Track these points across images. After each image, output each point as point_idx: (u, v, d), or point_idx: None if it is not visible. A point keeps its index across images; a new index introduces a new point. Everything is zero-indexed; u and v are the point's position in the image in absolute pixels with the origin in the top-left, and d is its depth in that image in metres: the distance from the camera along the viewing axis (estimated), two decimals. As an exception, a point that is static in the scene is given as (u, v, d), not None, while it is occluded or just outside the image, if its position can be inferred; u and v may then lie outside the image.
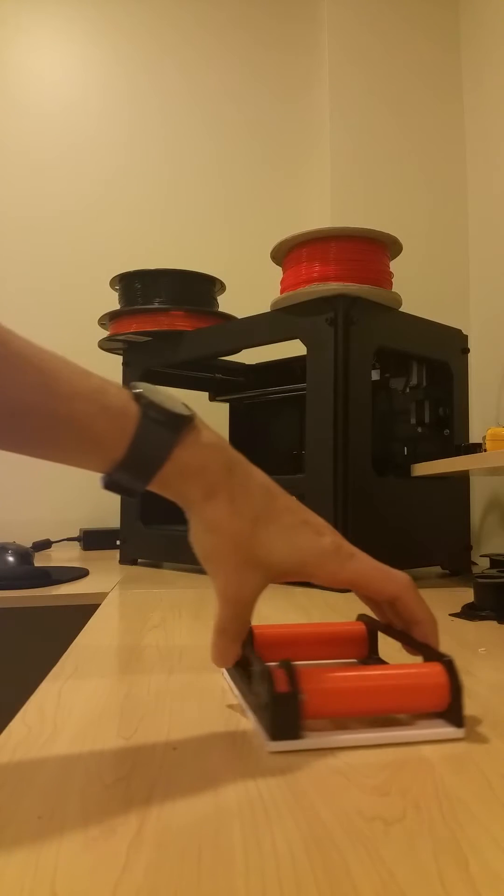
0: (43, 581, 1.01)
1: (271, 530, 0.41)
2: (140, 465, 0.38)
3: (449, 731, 0.38)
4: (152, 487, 0.39)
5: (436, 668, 0.40)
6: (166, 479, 0.39)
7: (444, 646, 0.60)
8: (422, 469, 0.99)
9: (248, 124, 1.69)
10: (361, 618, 0.52)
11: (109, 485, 0.39)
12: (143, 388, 0.40)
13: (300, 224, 1.39)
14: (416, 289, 1.36)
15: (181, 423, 0.39)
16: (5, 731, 0.40)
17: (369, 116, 1.56)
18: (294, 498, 0.43)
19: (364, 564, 0.42)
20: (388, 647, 0.53)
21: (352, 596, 0.84)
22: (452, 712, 0.38)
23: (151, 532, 1.16)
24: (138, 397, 0.39)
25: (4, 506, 1.54)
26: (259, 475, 0.42)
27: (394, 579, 0.43)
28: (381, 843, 0.27)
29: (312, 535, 0.42)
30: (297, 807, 0.30)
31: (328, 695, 0.39)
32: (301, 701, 0.37)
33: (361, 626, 0.51)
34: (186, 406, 0.40)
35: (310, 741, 0.37)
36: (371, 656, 0.50)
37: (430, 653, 0.42)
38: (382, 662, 0.51)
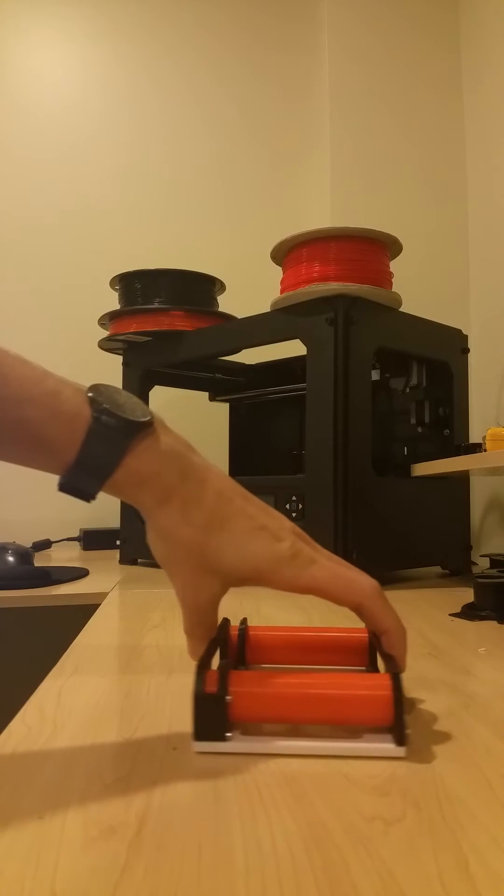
0: (43, 581, 1.01)
1: (224, 537, 0.40)
2: (91, 471, 0.38)
3: (388, 747, 0.36)
4: (106, 492, 0.39)
5: (381, 681, 0.38)
6: (118, 484, 0.39)
7: (445, 645, 0.60)
8: (422, 469, 0.99)
9: (248, 124, 1.69)
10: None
11: (63, 487, 0.39)
12: (101, 390, 0.39)
13: (300, 224, 1.39)
14: (416, 289, 1.36)
15: (134, 429, 0.38)
16: (5, 731, 0.40)
17: (369, 116, 1.56)
18: (257, 501, 0.42)
19: (324, 571, 0.41)
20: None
21: (352, 596, 0.85)
22: (396, 728, 0.36)
23: (151, 532, 1.16)
24: (92, 402, 0.38)
25: (4, 506, 1.54)
26: (216, 481, 0.41)
27: (355, 588, 0.41)
28: (381, 843, 0.27)
29: (268, 540, 0.40)
30: (297, 807, 0.30)
31: (255, 699, 0.38)
32: (226, 703, 0.37)
33: (364, 634, 0.49)
34: (146, 410, 0.40)
35: (234, 744, 0.37)
36: (372, 665, 0.49)
37: (391, 664, 0.40)
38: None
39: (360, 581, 0.41)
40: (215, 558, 0.40)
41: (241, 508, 0.41)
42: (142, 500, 0.40)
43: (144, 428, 0.39)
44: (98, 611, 0.78)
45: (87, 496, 0.39)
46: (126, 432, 0.38)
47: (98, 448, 0.37)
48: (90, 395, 0.38)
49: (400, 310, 1.02)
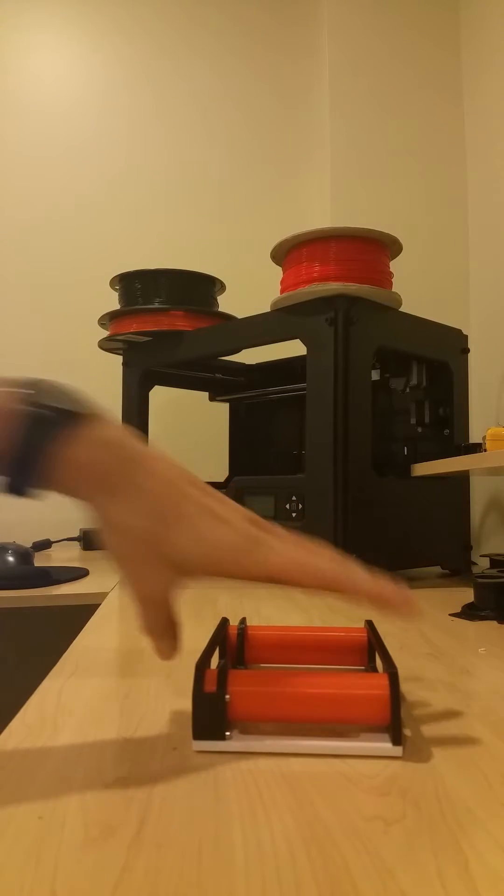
0: (43, 581, 1.01)
1: (179, 527, 0.38)
2: (24, 466, 0.36)
3: (385, 747, 0.36)
4: (48, 488, 0.37)
5: (379, 681, 0.38)
6: (55, 478, 0.37)
7: (444, 645, 0.60)
8: (422, 469, 0.99)
9: (248, 125, 1.69)
10: (368, 624, 0.50)
11: (4, 488, 0.37)
12: (35, 384, 0.37)
13: (300, 224, 1.39)
14: (416, 289, 1.36)
15: (67, 419, 0.37)
16: (5, 731, 0.40)
17: (369, 116, 1.56)
18: (211, 490, 0.40)
19: (282, 559, 0.38)
20: (395, 653, 0.53)
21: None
22: (392, 728, 0.36)
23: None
24: (25, 397, 0.37)
25: (4, 506, 1.54)
26: (166, 470, 0.39)
27: (314, 573, 0.39)
28: (381, 843, 0.27)
29: (225, 529, 0.38)
30: (297, 807, 0.30)
31: (254, 698, 0.38)
32: (225, 702, 0.36)
33: (363, 633, 0.50)
34: (83, 401, 0.38)
35: (233, 743, 0.37)
36: (370, 665, 0.49)
37: (388, 663, 0.39)
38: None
39: (319, 565, 0.39)
40: (170, 549, 0.38)
41: (195, 497, 0.39)
42: (87, 492, 0.38)
43: (78, 418, 0.37)
44: (98, 611, 0.78)
45: (26, 494, 0.37)
46: (59, 422, 0.36)
47: (30, 442, 0.36)
48: (24, 390, 0.37)
49: (400, 310, 1.02)
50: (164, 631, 0.40)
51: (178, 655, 0.41)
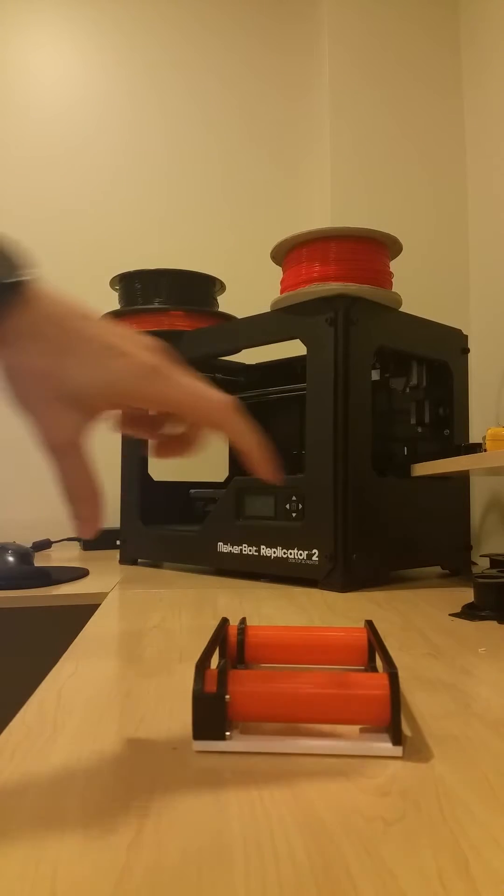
0: (43, 581, 1.01)
1: (74, 360, 0.37)
2: None
3: (385, 747, 0.36)
4: None
5: (379, 681, 0.38)
6: None
7: (444, 645, 0.60)
8: (422, 469, 0.99)
9: (248, 124, 1.69)
10: (368, 624, 0.50)
11: None
12: None
13: (300, 224, 1.39)
14: (416, 289, 1.36)
15: (7, 294, 0.37)
16: (5, 731, 0.40)
17: (369, 116, 1.56)
18: (108, 322, 0.40)
19: (182, 387, 0.39)
20: (395, 653, 0.53)
21: (352, 596, 0.85)
22: (392, 728, 0.36)
23: (151, 532, 1.16)
24: None
25: (4, 506, 1.54)
26: (59, 307, 0.39)
27: (213, 404, 0.39)
28: (381, 843, 0.27)
29: (122, 355, 0.38)
30: (297, 807, 0.30)
31: (254, 698, 0.38)
32: (225, 702, 0.36)
33: (363, 633, 0.50)
34: (15, 263, 0.38)
35: (233, 743, 0.37)
36: (370, 665, 0.49)
37: (388, 663, 0.39)
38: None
39: (215, 396, 0.40)
40: (69, 383, 0.37)
41: (90, 330, 0.38)
42: None
43: (13, 288, 0.37)
44: (98, 611, 0.78)
45: None
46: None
47: None
48: None
49: (400, 310, 1.02)
50: (84, 491, 0.39)
51: (98, 529, 0.40)
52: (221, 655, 0.47)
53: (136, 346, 0.39)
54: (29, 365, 0.37)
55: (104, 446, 1.50)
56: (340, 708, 0.38)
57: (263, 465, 0.40)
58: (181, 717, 0.42)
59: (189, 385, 0.39)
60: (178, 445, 0.44)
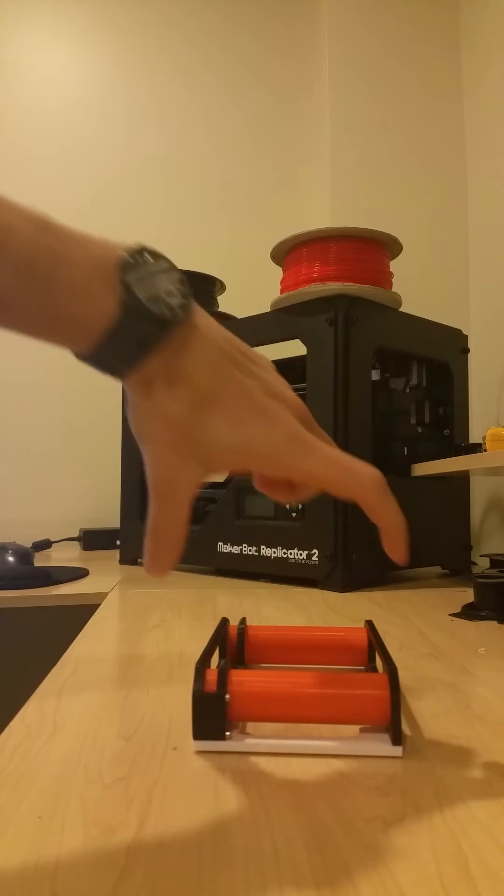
0: (43, 581, 1.01)
1: (215, 415, 0.34)
2: (110, 355, 0.33)
3: (385, 747, 0.36)
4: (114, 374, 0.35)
5: (379, 681, 0.38)
6: (134, 374, 0.34)
7: (444, 645, 0.60)
8: (422, 469, 0.99)
9: (248, 125, 1.69)
10: (368, 624, 0.50)
11: (87, 359, 0.34)
12: (137, 268, 0.33)
13: (300, 224, 1.39)
14: (416, 289, 1.36)
15: (167, 333, 0.33)
16: (5, 731, 0.40)
17: (369, 116, 1.56)
18: (257, 371, 0.36)
19: (323, 460, 0.36)
20: (395, 653, 0.53)
21: (352, 596, 0.85)
22: (392, 728, 0.36)
23: (151, 532, 1.16)
24: (125, 285, 0.32)
25: (4, 506, 1.54)
26: (210, 350, 0.35)
27: (355, 479, 0.37)
28: (381, 843, 0.27)
29: (266, 421, 0.35)
30: (297, 807, 0.30)
31: (254, 698, 0.38)
32: (225, 702, 0.36)
33: (363, 633, 0.49)
34: (182, 302, 0.34)
35: (233, 743, 0.37)
36: (370, 665, 0.49)
37: (388, 663, 0.39)
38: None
39: (361, 471, 0.37)
40: (204, 437, 0.34)
41: (239, 383, 0.35)
42: (137, 383, 0.34)
43: (177, 328, 0.34)
44: (98, 611, 0.78)
45: (108, 371, 0.34)
46: (159, 335, 0.33)
47: (121, 342, 0.33)
48: (122, 275, 0.32)
49: (400, 310, 1.02)
50: (170, 535, 0.36)
51: (168, 572, 0.37)
52: (221, 655, 0.47)
53: (283, 406, 0.36)
54: (164, 409, 0.34)
55: (104, 446, 1.50)
56: (340, 708, 0.38)
57: (400, 546, 0.38)
58: (181, 717, 0.42)
59: (333, 457, 0.37)
60: (290, 492, 0.41)
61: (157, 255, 0.34)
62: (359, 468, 0.37)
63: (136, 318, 0.32)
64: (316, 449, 0.36)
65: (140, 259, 0.33)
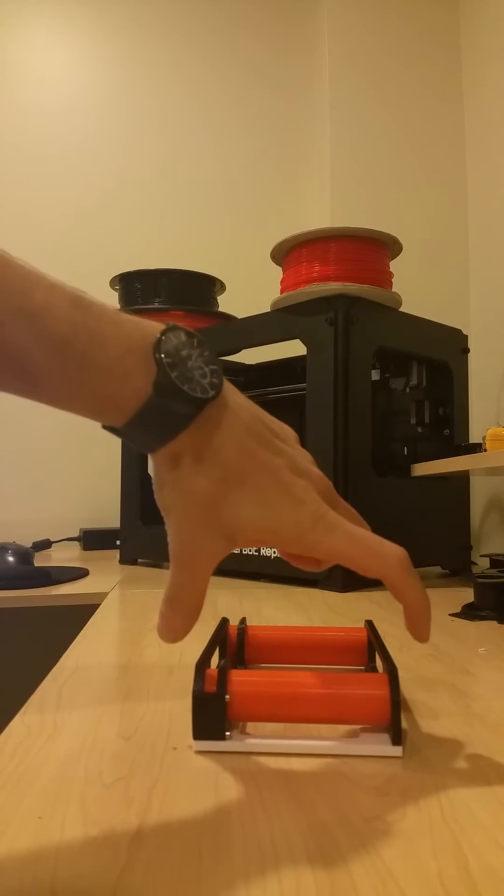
0: (43, 581, 1.01)
1: (242, 493, 0.35)
2: (142, 434, 0.34)
3: (385, 748, 0.36)
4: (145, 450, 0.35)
5: (379, 681, 0.37)
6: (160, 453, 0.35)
7: (444, 645, 0.60)
8: (422, 469, 0.99)
9: (248, 124, 1.69)
10: (368, 624, 0.50)
11: (118, 433, 0.35)
12: (172, 356, 0.33)
13: (300, 224, 1.39)
14: (416, 289, 1.36)
15: (196, 411, 0.34)
16: (5, 731, 0.40)
17: (369, 116, 1.56)
18: (283, 448, 0.37)
19: (347, 539, 0.37)
20: (395, 653, 0.53)
21: (352, 596, 0.85)
22: (392, 728, 0.36)
23: (151, 532, 1.16)
24: (161, 370, 0.33)
25: (4, 506, 1.54)
26: (239, 429, 0.36)
27: (379, 559, 0.37)
28: (381, 843, 0.27)
29: (292, 501, 0.36)
30: (297, 807, 0.30)
31: (254, 698, 0.38)
32: (225, 702, 0.36)
33: (363, 633, 0.49)
34: (213, 382, 0.35)
35: (233, 743, 0.37)
36: (370, 665, 0.49)
37: (388, 663, 0.39)
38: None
39: (385, 552, 0.37)
40: (229, 514, 0.35)
41: (266, 462, 0.36)
42: (166, 457, 0.35)
43: (207, 406, 0.34)
44: (98, 611, 0.78)
45: (137, 447, 0.35)
46: (189, 415, 0.34)
47: (153, 422, 0.33)
48: (159, 356, 0.33)
49: (400, 310, 1.02)
50: (188, 603, 0.37)
51: (181, 639, 0.37)
52: (221, 655, 0.47)
53: (308, 485, 0.37)
54: (192, 484, 0.34)
55: (104, 446, 1.50)
56: (340, 708, 0.38)
57: (423, 626, 0.38)
58: (181, 717, 0.42)
59: (357, 537, 0.37)
60: (315, 564, 0.41)
61: (189, 334, 0.35)
62: (384, 549, 0.37)
63: (168, 398, 0.33)
64: (340, 528, 0.37)
65: (173, 338, 0.34)
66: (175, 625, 0.36)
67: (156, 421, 0.33)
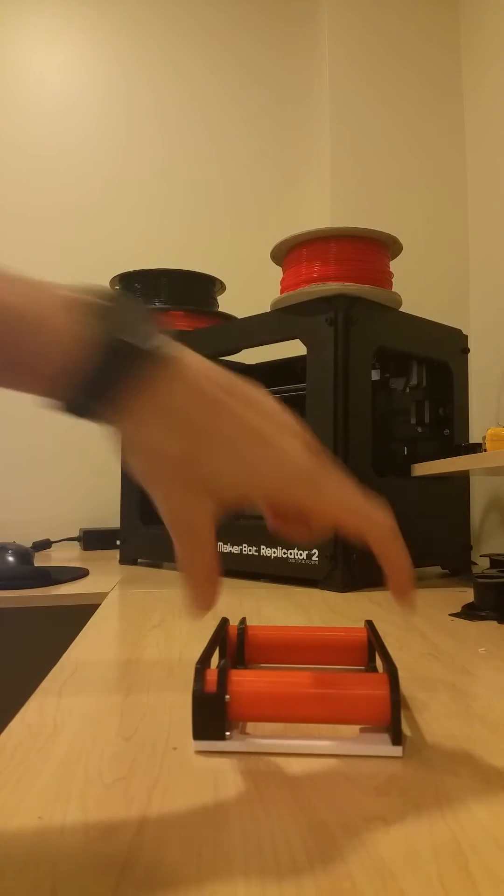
0: (43, 581, 1.01)
1: (220, 449, 0.33)
2: (89, 395, 0.31)
3: (385, 748, 0.36)
4: (91, 416, 0.32)
5: (379, 681, 0.37)
6: (108, 412, 0.32)
7: (444, 645, 0.60)
8: (422, 469, 0.99)
9: (248, 124, 1.69)
10: (368, 624, 0.50)
11: (61, 406, 0.32)
12: (111, 303, 0.31)
13: (300, 224, 1.39)
14: (416, 289, 1.36)
15: (146, 362, 0.31)
16: (5, 731, 0.40)
17: (369, 116, 1.56)
18: (258, 398, 0.35)
19: (334, 498, 0.35)
20: (395, 653, 0.53)
21: (352, 596, 0.85)
22: (392, 728, 0.36)
23: (151, 532, 1.16)
24: (101, 318, 0.30)
25: (4, 506, 1.54)
26: (202, 381, 0.33)
27: (367, 521, 0.36)
28: (381, 843, 0.27)
29: (271, 450, 0.33)
30: (297, 807, 0.30)
31: (254, 698, 0.38)
32: (225, 702, 0.36)
33: (363, 633, 0.49)
34: (157, 336, 0.32)
35: (233, 743, 0.37)
36: (370, 665, 0.49)
37: (388, 663, 0.39)
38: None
39: (373, 515, 0.36)
40: (204, 469, 0.33)
41: (237, 414, 0.33)
42: (120, 418, 0.32)
43: (156, 359, 0.32)
44: (98, 611, 0.78)
45: (84, 415, 0.32)
46: (137, 364, 0.31)
47: (102, 375, 0.30)
48: (98, 300, 0.31)
49: (400, 310, 1.02)
50: (202, 570, 0.35)
51: (212, 607, 0.35)
52: (221, 655, 0.47)
53: (290, 439, 0.34)
54: (159, 446, 0.32)
55: (104, 446, 1.50)
56: (340, 708, 0.38)
57: (405, 590, 0.37)
58: (181, 717, 0.42)
59: (346, 498, 0.36)
60: (305, 528, 0.39)
61: (123, 295, 0.33)
62: (373, 514, 0.37)
63: (112, 354, 0.30)
64: (326, 486, 0.35)
65: (106, 296, 0.32)
66: (199, 594, 0.35)
67: (103, 382, 0.30)
